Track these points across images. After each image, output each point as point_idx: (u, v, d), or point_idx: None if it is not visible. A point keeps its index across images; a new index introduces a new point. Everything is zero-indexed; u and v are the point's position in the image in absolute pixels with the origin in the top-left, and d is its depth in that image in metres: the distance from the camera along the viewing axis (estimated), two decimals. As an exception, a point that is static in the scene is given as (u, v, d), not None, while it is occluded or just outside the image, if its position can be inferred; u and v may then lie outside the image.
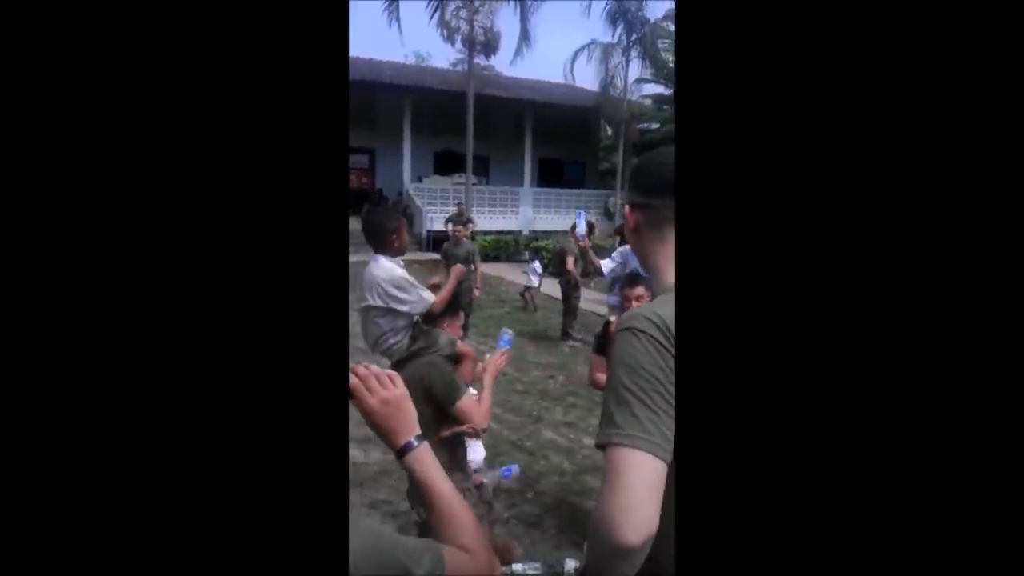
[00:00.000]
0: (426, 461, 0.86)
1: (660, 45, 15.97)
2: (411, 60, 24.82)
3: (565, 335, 7.14)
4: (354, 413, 0.82)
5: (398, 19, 13.02)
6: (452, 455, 2.09)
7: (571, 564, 2.70)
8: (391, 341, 1.98)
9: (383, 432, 0.87)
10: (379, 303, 1.96)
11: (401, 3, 12.90)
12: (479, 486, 2.48)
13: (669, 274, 0.97)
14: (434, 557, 0.74)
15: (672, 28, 16.12)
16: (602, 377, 2.29)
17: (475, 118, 13.24)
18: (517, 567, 2.71)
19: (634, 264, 3.07)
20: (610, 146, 18.94)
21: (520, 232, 14.91)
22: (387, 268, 1.99)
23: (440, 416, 2.02)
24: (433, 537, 0.81)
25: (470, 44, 13.20)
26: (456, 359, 2.11)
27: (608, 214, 15.87)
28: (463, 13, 13.04)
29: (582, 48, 15.77)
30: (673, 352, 0.83)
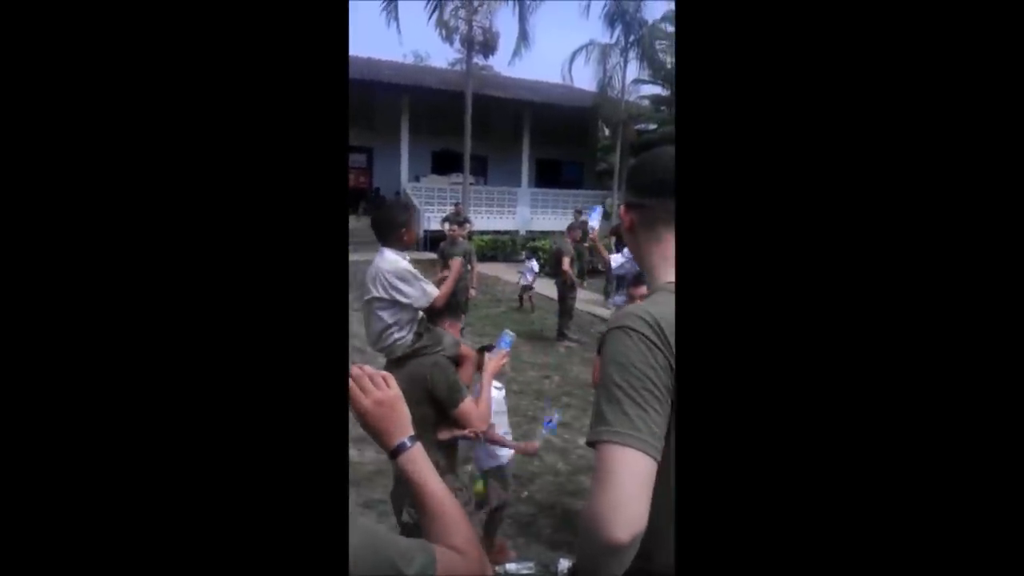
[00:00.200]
0: (419, 462, 0.86)
1: (658, 46, 15.97)
2: (409, 60, 24.80)
3: (561, 335, 7.14)
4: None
5: (397, 19, 13.01)
6: (447, 457, 2.09)
7: (565, 564, 2.71)
8: (395, 336, 1.97)
9: (376, 433, 0.87)
10: (383, 295, 1.96)
11: (400, 3, 12.89)
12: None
13: (664, 273, 0.97)
14: (426, 557, 0.75)
15: (670, 29, 16.13)
16: None
17: (473, 118, 13.24)
18: (511, 567, 2.72)
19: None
20: (608, 147, 18.95)
21: (517, 232, 14.91)
22: (392, 260, 1.98)
23: (439, 417, 2.01)
24: (424, 537, 0.82)
25: (468, 44, 13.19)
26: (457, 361, 2.11)
27: (605, 214, 15.84)
28: (462, 13, 13.03)
29: (580, 49, 15.76)
30: (664, 351, 0.84)
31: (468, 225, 8.12)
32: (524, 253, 11.72)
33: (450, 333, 2.16)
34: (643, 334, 0.85)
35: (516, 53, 14.08)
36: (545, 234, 13.93)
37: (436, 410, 1.99)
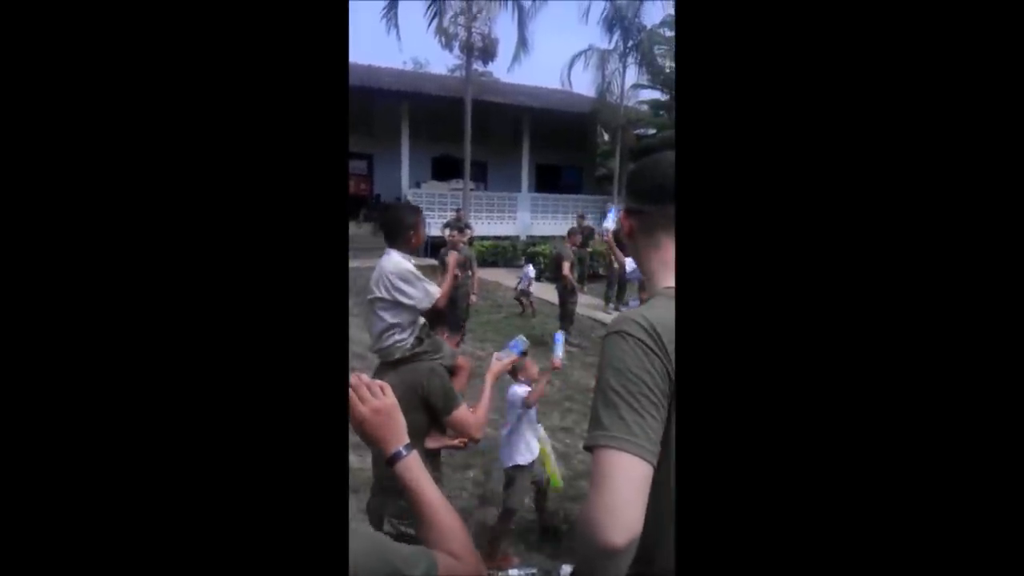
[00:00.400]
0: (415, 469, 0.87)
1: (657, 51, 16.01)
2: (409, 66, 24.85)
3: (562, 340, 7.12)
4: None
5: (396, 25, 13.06)
6: (434, 467, 2.08)
7: (567, 570, 2.71)
8: (396, 337, 1.97)
9: (373, 441, 0.88)
10: (385, 296, 1.96)
11: (399, 9, 12.94)
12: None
13: (662, 278, 0.98)
14: (428, 563, 0.76)
15: (669, 34, 16.17)
16: None
17: (473, 124, 13.26)
18: (513, 572, 2.71)
19: None
20: (607, 151, 18.99)
21: (518, 238, 14.91)
22: (396, 261, 1.99)
23: (430, 425, 2.00)
24: (421, 544, 0.82)
25: (468, 50, 13.23)
26: (452, 371, 2.11)
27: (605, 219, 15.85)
28: (461, 19, 13.07)
29: (579, 54, 15.79)
30: (661, 356, 0.84)
31: (469, 231, 8.13)
32: (524, 259, 11.74)
33: (448, 344, 2.16)
34: (639, 339, 0.85)
35: (515, 59, 14.12)
36: (545, 239, 13.92)
37: (429, 417, 1.98)
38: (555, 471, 3.06)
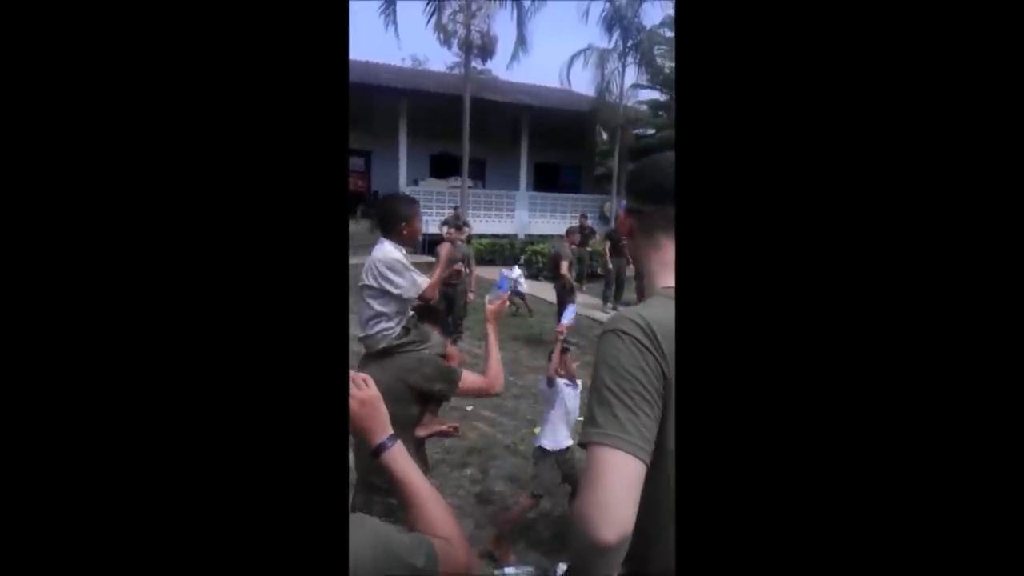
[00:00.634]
0: (401, 459, 0.90)
1: (656, 51, 16.02)
2: (408, 63, 24.87)
3: (560, 339, 7.13)
4: None
5: (395, 22, 13.03)
6: (421, 459, 2.08)
7: (564, 568, 2.70)
8: (382, 326, 1.96)
9: (360, 432, 0.90)
10: (373, 284, 1.96)
11: (398, 6, 12.91)
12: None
13: (661, 278, 0.98)
14: (429, 549, 0.79)
15: (669, 34, 16.19)
16: None
17: (471, 122, 13.26)
18: (509, 570, 2.70)
19: None
20: (606, 151, 19.00)
21: (516, 236, 14.92)
22: (386, 250, 1.99)
23: (420, 415, 2.01)
24: (411, 530, 0.85)
25: (467, 48, 13.22)
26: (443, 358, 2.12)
27: (604, 219, 15.89)
28: (460, 17, 13.06)
29: (578, 53, 15.79)
30: (656, 354, 0.85)
31: (467, 229, 8.12)
32: (517, 261, 11.73)
33: (438, 332, 2.15)
34: (635, 337, 0.86)
35: (514, 57, 14.11)
36: (544, 238, 13.94)
37: (419, 406, 1.98)
38: None
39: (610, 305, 8.90)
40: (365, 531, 0.74)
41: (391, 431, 0.91)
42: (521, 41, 13.91)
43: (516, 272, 2.17)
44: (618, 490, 0.78)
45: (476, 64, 14.38)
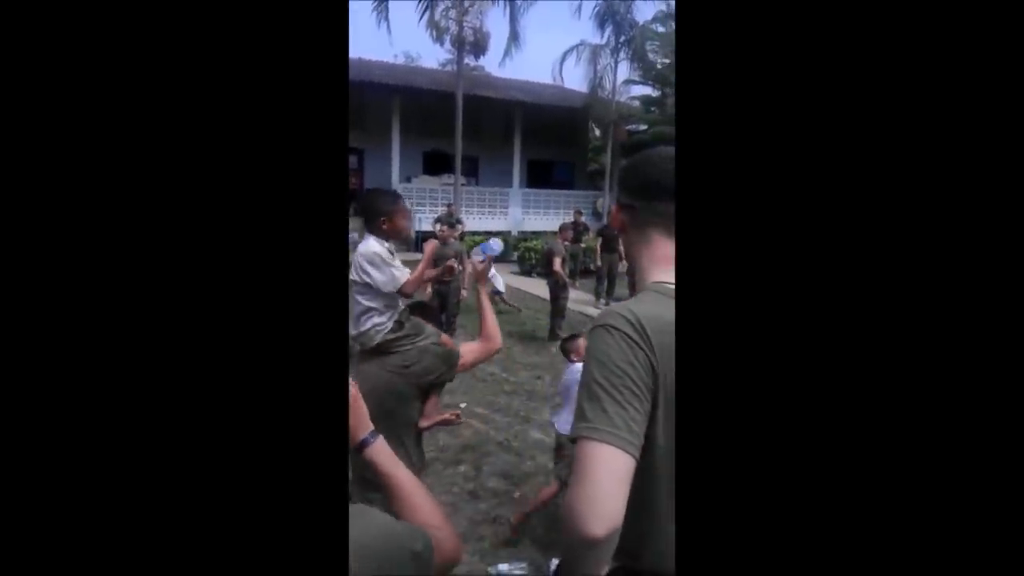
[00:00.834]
0: (384, 453, 0.91)
1: (649, 47, 16.03)
2: (400, 60, 24.76)
3: (553, 336, 7.14)
4: None
5: (387, 19, 13.01)
6: (418, 453, 2.08)
7: (556, 564, 2.70)
8: (374, 320, 1.96)
9: None
10: (356, 279, 1.96)
11: (390, 3, 12.88)
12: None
13: (652, 274, 0.98)
14: (424, 536, 0.80)
15: (661, 30, 16.20)
16: None
17: (464, 119, 13.23)
18: (503, 567, 2.71)
19: None
20: (599, 147, 18.99)
21: (509, 233, 14.91)
22: (368, 245, 1.98)
23: (424, 405, 2.02)
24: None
25: (459, 44, 13.19)
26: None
27: (597, 215, 15.91)
28: (452, 13, 13.03)
29: (571, 49, 15.78)
30: (646, 349, 0.85)
31: (460, 226, 8.10)
32: (490, 240, 11.66)
33: (431, 324, 2.15)
34: (625, 332, 0.86)
35: (507, 53, 14.14)
36: (537, 234, 13.94)
37: (423, 398, 1.98)
38: None
39: (602, 301, 8.91)
40: (368, 519, 0.76)
41: (372, 427, 0.92)
42: (514, 37, 13.91)
43: (498, 245, 2.14)
44: (607, 484, 0.78)
45: (469, 61, 14.36)
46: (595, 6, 15.04)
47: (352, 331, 2.00)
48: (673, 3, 15.33)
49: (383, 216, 2.00)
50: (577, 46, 15.72)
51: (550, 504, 2.99)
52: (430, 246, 2.39)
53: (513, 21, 13.76)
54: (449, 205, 10.76)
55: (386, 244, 2.01)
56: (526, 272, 11.98)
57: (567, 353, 3.22)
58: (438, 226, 6.91)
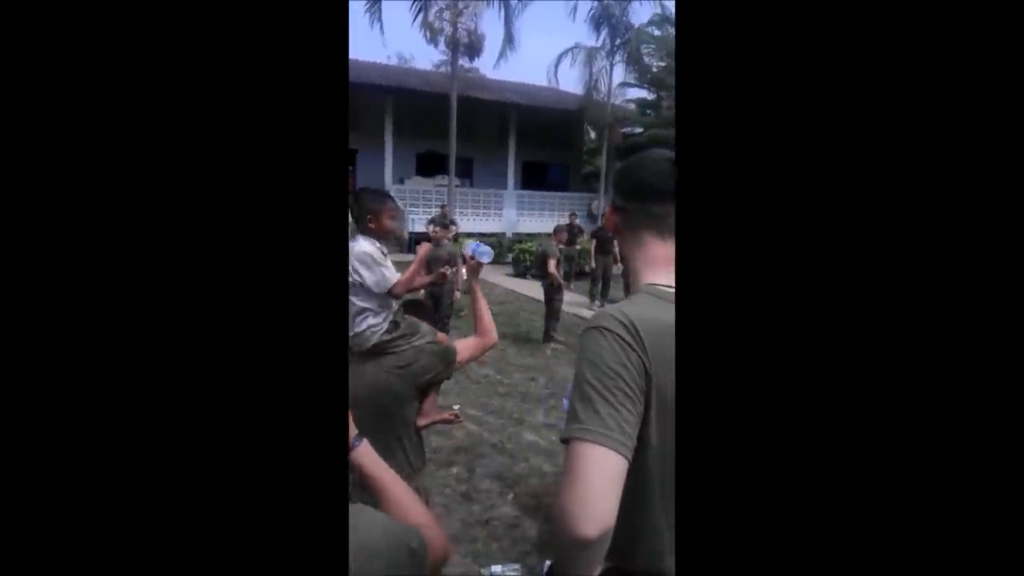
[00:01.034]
0: (370, 455, 0.93)
1: (644, 50, 16.07)
2: (394, 61, 24.78)
3: (547, 337, 7.14)
4: None
5: (380, 20, 12.98)
6: (416, 453, 2.07)
7: (548, 565, 2.69)
8: (370, 321, 1.94)
9: None
10: (350, 279, 1.95)
11: (384, 4, 12.85)
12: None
13: (645, 276, 0.98)
14: (418, 533, 0.82)
15: (657, 33, 16.24)
16: None
17: (459, 120, 13.23)
18: (496, 568, 2.69)
19: None
20: (594, 149, 19.05)
21: (504, 234, 14.91)
22: (360, 245, 1.97)
23: (422, 405, 2.02)
24: None
25: (453, 46, 13.19)
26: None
27: (592, 217, 15.93)
28: (446, 15, 13.02)
29: (566, 52, 15.81)
30: (639, 351, 0.85)
31: (453, 227, 8.09)
32: (470, 245, 11.65)
33: (426, 323, 2.14)
34: (617, 334, 0.85)
35: (502, 55, 14.10)
36: (532, 236, 13.93)
37: (421, 398, 1.98)
38: None
39: (597, 303, 8.91)
40: (369, 517, 0.78)
41: (356, 431, 0.94)
42: (509, 39, 13.91)
43: (489, 254, 2.13)
44: (598, 485, 0.78)
45: (463, 62, 14.36)
46: (591, 8, 15.12)
47: (349, 332, 1.99)
48: (669, 7, 15.41)
49: (369, 215, 1.99)
50: (572, 48, 15.76)
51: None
52: (423, 249, 2.37)
53: (508, 23, 13.77)
54: (443, 206, 10.75)
55: (377, 244, 1.99)
56: (520, 274, 11.97)
57: None
58: (431, 227, 6.89)
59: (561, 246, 7.80)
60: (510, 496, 3.38)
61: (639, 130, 17.87)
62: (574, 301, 8.90)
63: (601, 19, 15.08)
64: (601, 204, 15.71)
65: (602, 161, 16.31)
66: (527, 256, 11.81)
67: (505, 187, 16.15)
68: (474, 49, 13.61)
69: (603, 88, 15.96)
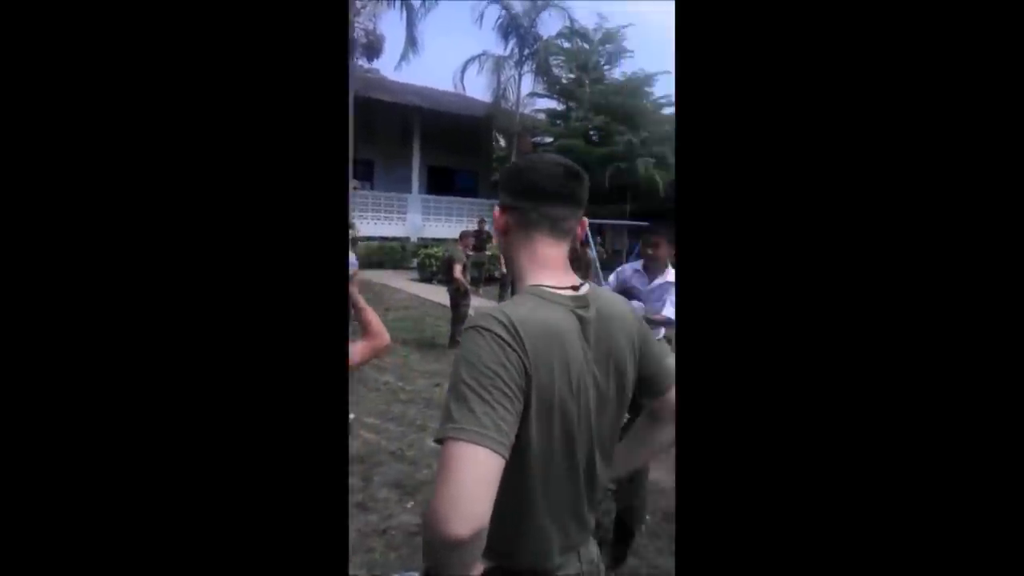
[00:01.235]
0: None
1: (553, 61, 16.36)
2: (297, 59, 23.94)
3: (453, 343, 7.04)
4: None
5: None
6: None
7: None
8: None
9: None
10: None
11: None
12: None
13: (532, 276, 0.99)
14: None
15: (566, 45, 16.59)
16: None
17: (358, 120, 12.88)
18: (393, 580, 2.56)
19: (628, 284, 3.06)
20: (503, 157, 19.15)
21: (408, 239, 14.67)
22: None
23: None
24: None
25: (350, 45, 12.87)
26: None
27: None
28: (348, 13, 12.72)
29: (473, 58, 15.86)
30: (519, 350, 0.85)
31: (352, 231, 7.82)
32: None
33: None
34: (496, 333, 0.86)
35: (403, 57, 13.95)
36: (439, 241, 13.79)
37: None
38: None
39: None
40: None
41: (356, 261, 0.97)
42: (411, 41, 13.75)
43: (352, 261, 2.10)
44: (470, 484, 0.76)
45: (362, 62, 14.03)
46: (499, 16, 15.19)
47: None
48: (578, 20, 15.78)
49: None
50: (480, 56, 15.81)
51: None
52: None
53: (410, 25, 13.61)
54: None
55: None
56: (426, 279, 11.82)
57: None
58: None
59: (469, 252, 7.74)
60: (410, 504, 3.25)
61: (549, 140, 18.17)
62: (484, 306, 8.84)
63: (509, 28, 15.21)
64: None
65: (510, 169, 16.41)
66: (433, 261, 11.67)
67: (409, 191, 15.91)
68: (373, 50, 13.36)
69: (511, 97, 16.11)
